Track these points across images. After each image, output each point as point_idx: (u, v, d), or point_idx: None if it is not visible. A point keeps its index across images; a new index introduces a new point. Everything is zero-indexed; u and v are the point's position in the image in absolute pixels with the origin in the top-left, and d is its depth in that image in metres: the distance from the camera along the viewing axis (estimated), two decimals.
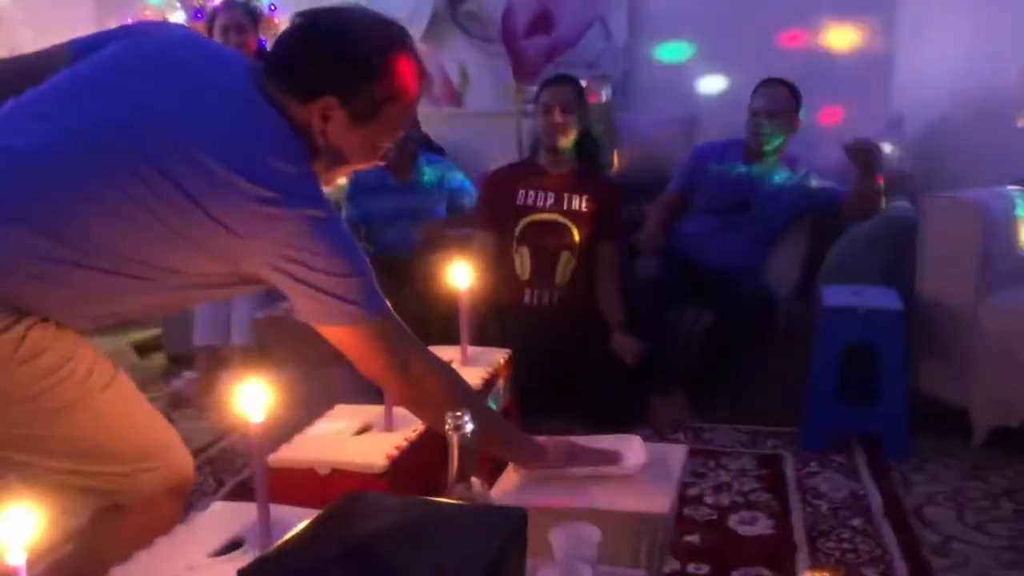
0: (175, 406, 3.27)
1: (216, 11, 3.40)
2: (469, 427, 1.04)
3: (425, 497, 1.02)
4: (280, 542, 0.94)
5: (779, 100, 3.14)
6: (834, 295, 2.79)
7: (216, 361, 3.36)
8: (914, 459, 2.64)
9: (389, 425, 1.69)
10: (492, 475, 1.58)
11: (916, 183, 3.30)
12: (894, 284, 2.86)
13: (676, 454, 1.69)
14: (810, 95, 3.25)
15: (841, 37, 3.65)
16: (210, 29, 3.33)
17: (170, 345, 3.83)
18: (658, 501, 1.49)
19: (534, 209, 3.08)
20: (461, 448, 1.05)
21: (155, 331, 3.94)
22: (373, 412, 1.76)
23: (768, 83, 3.17)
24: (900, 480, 2.52)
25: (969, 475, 2.55)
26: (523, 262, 3.06)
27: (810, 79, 3.39)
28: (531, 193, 3.08)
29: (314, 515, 1.03)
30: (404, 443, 1.62)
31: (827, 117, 3.64)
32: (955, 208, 2.80)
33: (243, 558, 1.22)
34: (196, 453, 2.79)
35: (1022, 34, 3.30)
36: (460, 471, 1.07)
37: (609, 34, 3.84)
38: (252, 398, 1.20)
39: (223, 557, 1.22)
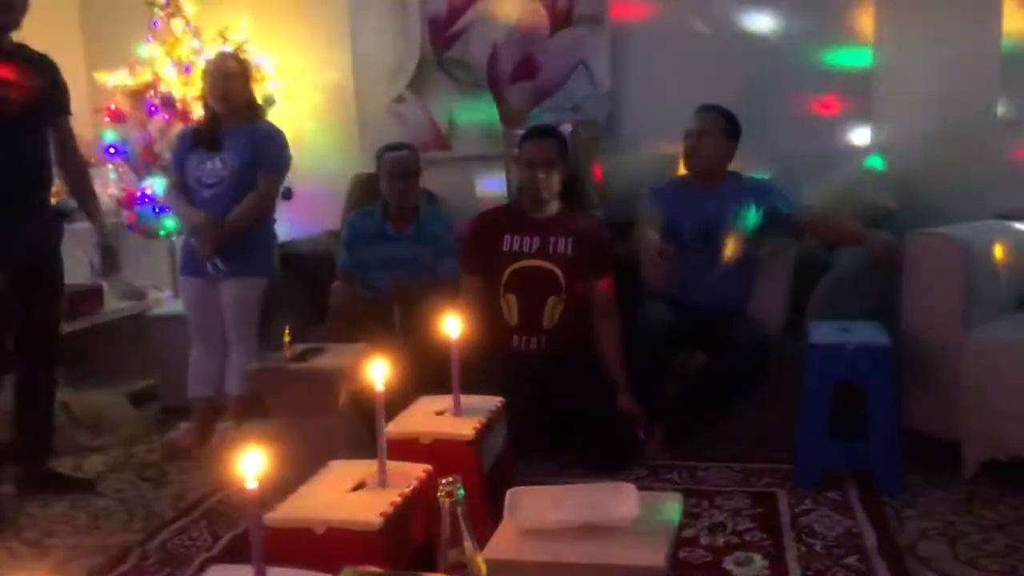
0: (170, 458, 3.28)
1: (211, 61, 3.43)
2: (461, 493, 1.06)
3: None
4: None
5: (709, 122, 3.19)
6: (821, 332, 2.82)
7: (210, 412, 3.37)
8: (906, 494, 2.66)
9: (383, 480, 1.71)
10: (487, 532, 1.59)
11: (898, 217, 3.35)
12: (880, 319, 2.90)
13: (671, 503, 1.71)
14: (790, 127, 3.30)
15: (820, 75, 3.71)
16: (205, 78, 3.36)
17: (165, 396, 3.84)
18: (654, 554, 1.50)
19: (519, 255, 3.11)
20: (454, 513, 1.07)
21: (149, 382, 3.95)
22: (367, 468, 1.78)
23: (703, 109, 3.24)
24: (893, 516, 2.53)
25: (961, 509, 2.56)
26: (510, 308, 3.09)
27: (790, 117, 3.46)
28: (515, 239, 3.12)
29: None
30: (398, 499, 1.64)
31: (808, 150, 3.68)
32: (938, 243, 2.84)
33: None
34: (192, 506, 2.81)
35: (1000, 67, 3.38)
36: (453, 536, 1.08)
37: (593, 78, 3.90)
38: (248, 463, 1.22)
39: None
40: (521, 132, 3.78)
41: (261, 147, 3.34)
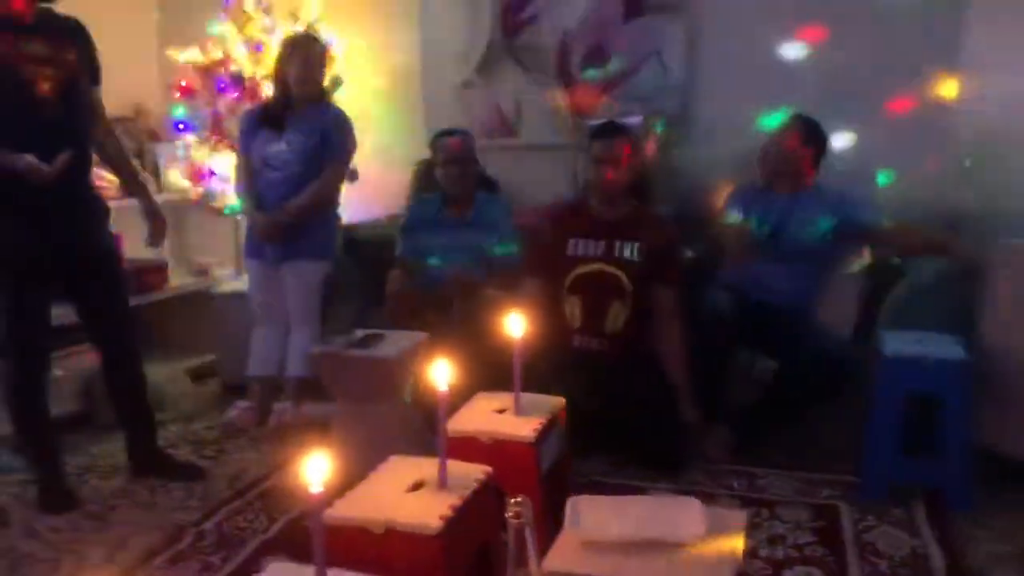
0: (229, 435, 3.31)
1: (296, 42, 3.38)
2: (529, 515, 1.02)
3: None
4: None
5: (786, 134, 3.17)
6: (895, 343, 2.72)
7: (269, 391, 3.39)
8: (978, 515, 2.56)
9: (443, 482, 1.68)
10: (544, 536, 1.55)
11: (981, 227, 3.21)
12: (957, 330, 2.79)
13: (736, 522, 1.65)
14: (870, 133, 3.18)
15: (904, 76, 3.56)
16: (285, 60, 3.31)
17: (225, 373, 3.88)
18: (720, 572, 1.46)
19: (584, 260, 3.04)
20: (521, 534, 1.04)
21: (210, 358, 4.00)
22: (427, 466, 1.75)
23: (789, 117, 3.22)
24: (963, 537, 2.44)
25: None
26: (573, 311, 3.04)
27: (870, 118, 3.33)
28: (581, 243, 3.05)
29: None
30: (458, 502, 1.61)
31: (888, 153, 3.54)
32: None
33: None
34: (249, 487, 2.83)
35: None
36: (519, 556, 1.05)
37: (665, 68, 3.81)
38: (313, 467, 1.20)
39: None
40: (589, 121, 3.75)
41: (330, 133, 3.32)
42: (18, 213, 2.51)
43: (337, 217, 3.50)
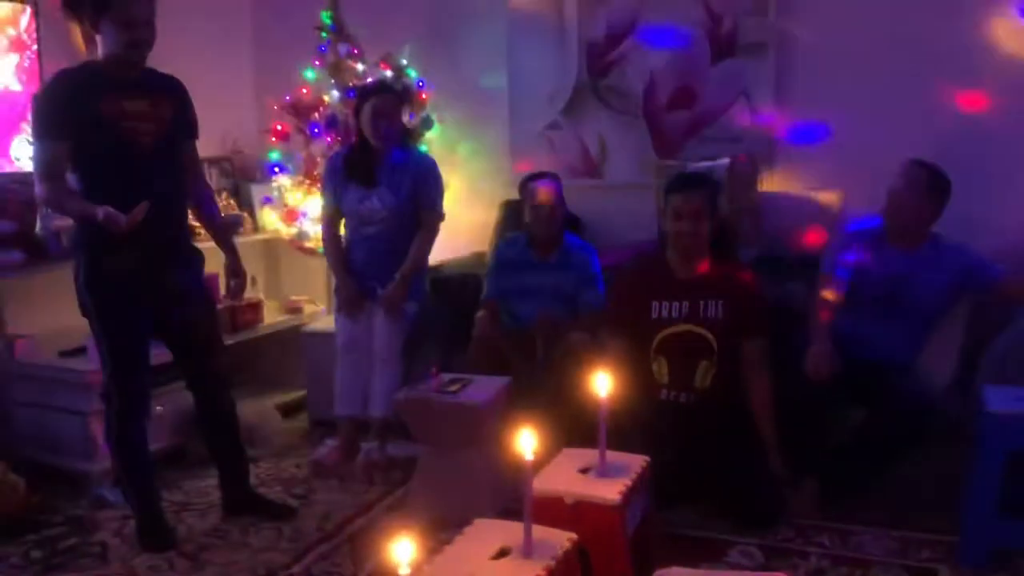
0: (317, 474, 3.38)
1: (367, 91, 3.45)
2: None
3: None
4: None
5: (916, 182, 3.00)
6: (997, 398, 2.61)
7: (355, 430, 3.44)
8: None
9: (528, 551, 1.68)
10: None
11: None
12: None
13: None
14: (967, 175, 3.08)
15: (999, 112, 3.43)
16: (358, 111, 3.38)
17: (313, 409, 3.97)
18: None
19: (669, 322, 3.00)
20: None
21: (300, 393, 4.10)
22: (513, 531, 1.75)
23: (910, 165, 3.04)
24: None
25: None
26: (661, 369, 3.00)
27: (966, 157, 3.21)
28: (664, 305, 3.00)
29: None
30: (544, 573, 1.60)
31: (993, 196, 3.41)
32: None
33: None
34: (337, 529, 2.88)
35: None
36: None
37: (754, 108, 3.77)
38: (400, 551, 1.21)
39: None
40: (673, 163, 3.73)
41: (422, 183, 3.40)
42: (122, 264, 2.62)
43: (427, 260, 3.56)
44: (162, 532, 2.82)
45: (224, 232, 3.03)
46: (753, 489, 2.79)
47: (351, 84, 3.92)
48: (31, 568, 2.66)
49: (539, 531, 1.74)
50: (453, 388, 2.97)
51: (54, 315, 3.40)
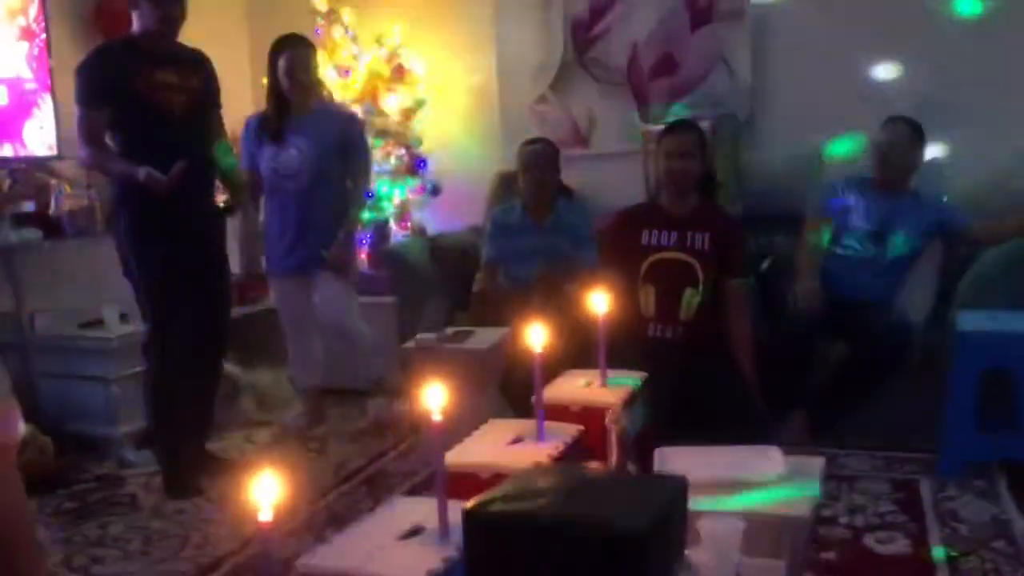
0: (283, 438, 3.52)
1: (280, 44, 3.40)
2: (627, 423, 1.18)
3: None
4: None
5: (901, 136, 3.24)
6: (970, 320, 2.80)
7: (319, 399, 3.64)
8: None
9: (541, 437, 1.84)
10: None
11: None
12: None
13: (814, 464, 1.78)
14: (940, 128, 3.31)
15: (976, 67, 3.63)
16: (273, 65, 3.37)
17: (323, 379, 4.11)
18: (799, 506, 1.58)
19: (658, 248, 3.17)
20: (621, 439, 1.19)
21: None
22: (523, 425, 1.91)
23: (891, 120, 3.29)
24: None
25: None
26: (647, 300, 3.16)
27: (937, 115, 3.42)
28: (655, 233, 3.18)
29: None
30: (556, 452, 1.76)
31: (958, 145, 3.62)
32: None
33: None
34: (353, 474, 3.02)
35: None
36: (619, 463, 1.20)
37: (733, 74, 3.95)
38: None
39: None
40: (659, 129, 3.90)
41: (348, 135, 3.42)
42: (161, 230, 2.84)
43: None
44: (188, 483, 2.95)
45: (240, 193, 3.22)
46: (740, 419, 2.94)
47: (346, 65, 4.09)
48: (66, 517, 2.81)
49: (549, 425, 1.89)
50: (457, 338, 3.12)
51: (71, 291, 3.56)
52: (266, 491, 1.05)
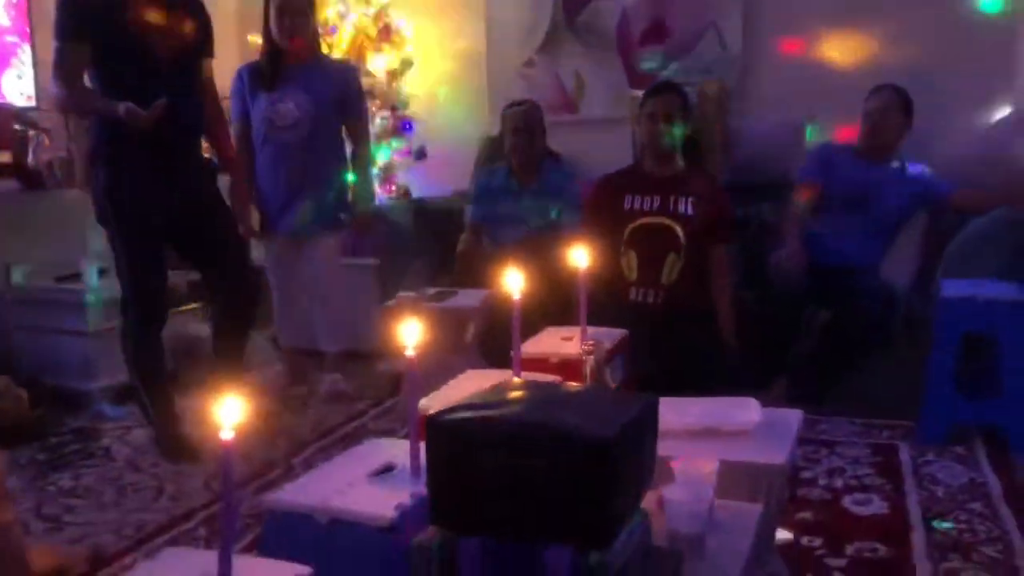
0: (263, 396, 3.40)
1: None
2: (604, 349, 1.16)
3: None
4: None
5: (888, 104, 3.23)
6: (952, 287, 2.80)
7: (301, 360, 3.54)
8: None
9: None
10: None
11: None
12: (1020, 277, 2.83)
13: (792, 416, 1.77)
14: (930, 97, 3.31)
15: (960, 39, 3.61)
16: (266, 12, 3.22)
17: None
18: (775, 454, 1.57)
19: (640, 213, 3.15)
20: (596, 367, 1.17)
21: None
22: (502, 375, 1.89)
23: (879, 89, 3.27)
24: (1022, 471, 2.50)
25: None
26: (630, 264, 3.14)
27: (924, 85, 3.40)
28: (636, 198, 3.16)
29: None
30: None
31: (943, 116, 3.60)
32: None
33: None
34: (330, 431, 3.01)
35: None
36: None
37: (723, 40, 3.92)
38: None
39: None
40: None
41: (346, 90, 3.30)
42: (137, 172, 2.69)
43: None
44: (181, 440, 2.85)
45: (227, 149, 3.09)
46: (719, 381, 2.93)
47: (333, 23, 4.04)
48: (39, 467, 2.77)
49: (527, 375, 1.87)
50: (440, 298, 3.10)
51: (48, 244, 3.51)
52: (228, 411, 1.03)
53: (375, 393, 3.42)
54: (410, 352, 1.36)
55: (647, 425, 0.98)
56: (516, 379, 1.57)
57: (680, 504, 1.18)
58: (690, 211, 3.11)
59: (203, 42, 2.86)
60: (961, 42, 3.60)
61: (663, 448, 1.60)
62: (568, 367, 2.14)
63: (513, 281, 1.78)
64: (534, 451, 0.83)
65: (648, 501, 1.08)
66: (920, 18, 3.65)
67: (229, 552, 0.99)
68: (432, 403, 1.77)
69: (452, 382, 1.93)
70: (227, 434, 1.02)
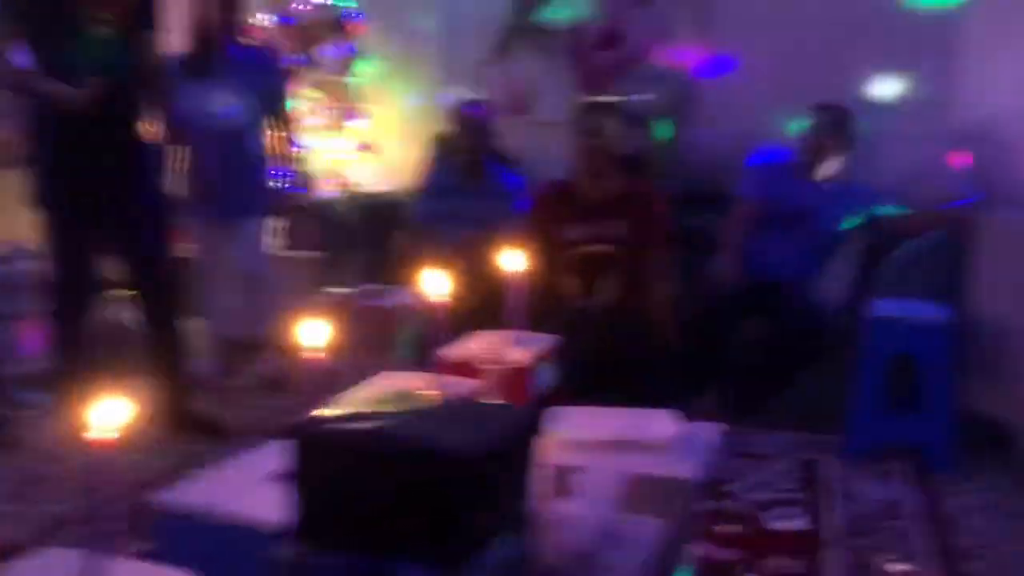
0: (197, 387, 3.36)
1: None
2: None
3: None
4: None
5: (826, 123, 3.25)
6: (881, 307, 2.83)
7: (231, 349, 3.44)
8: (958, 474, 2.64)
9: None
10: None
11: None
12: (949, 300, 2.87)
13: (711, 429, 1.76)
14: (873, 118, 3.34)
15: (901, 61, 3.66)
16: None
17: None
18: (686, 468, 1.56)
19: (579, 243, 3.13)
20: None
21: None
22: (420, 378, 1.85)
23: (819, 107, 3.30)
24: (940, 490, 2.53)
25: (1013, 492, 2.53)
26: (570, 283, 3.12)
27: (870, 104, 3.44)
28: (576, 227, 3.13)
29: None
30: None
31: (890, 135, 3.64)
32: (1011, 227, 2.81)
33: None
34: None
35: None
36: None
37: (676, 49, 3.92)
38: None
39: None
40: (594, 100, 3.87)
41: (274, 75, 3.29)
42: (68, 155, 2.59)
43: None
44: (196, 416, 2.81)
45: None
46: (655, 382, 2.92)
47: (288, 12, 3.98)
48: None
49: (449, 379, 1.84)
50: (367, 294, 3.06)
51: None
52: (113, 412, 1.02)
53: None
54: (319, 355, 1.32)
55: (522, 441, 0.95)
56: (423, 386, 1.55)
57: (573, 518, 1.16)
58: (626, 232, 3.09)
59: (145, 15, 2.78)
60: (914, 64, 3.66)
61: (572, 459, 1.59)
62: (497, 373, 2.12)
63: (439, 282, 1.74)
64: (389, 465, 0.81)
65: (540, 516, 1.05)
66: (868, 33, 3.69)
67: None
68: (334, 406, 1.73)
69: (364, 383, 1.89)
70: (109, 433, 1.00)
